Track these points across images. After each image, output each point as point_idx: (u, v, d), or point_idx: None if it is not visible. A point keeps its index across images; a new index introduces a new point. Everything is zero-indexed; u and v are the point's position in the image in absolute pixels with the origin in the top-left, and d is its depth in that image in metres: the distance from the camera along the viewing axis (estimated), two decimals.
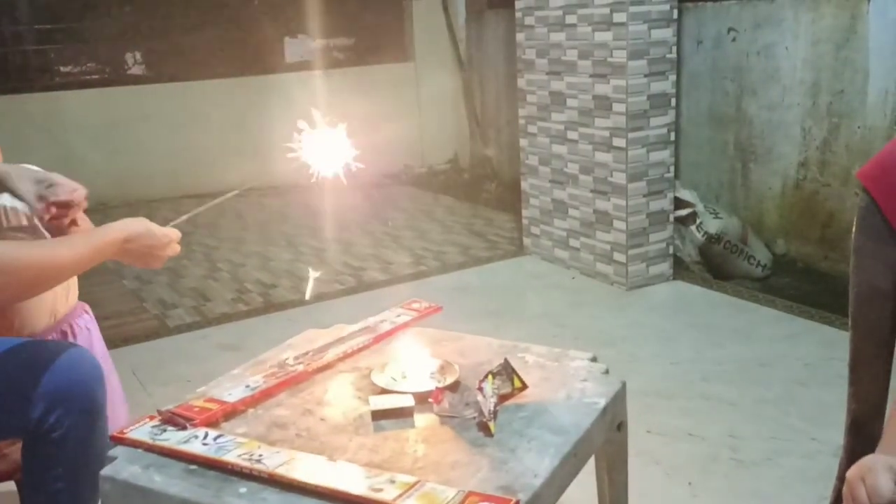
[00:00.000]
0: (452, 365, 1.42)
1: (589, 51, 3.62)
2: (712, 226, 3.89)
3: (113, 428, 1.43)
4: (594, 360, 1.47)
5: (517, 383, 1.34)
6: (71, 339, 1.89)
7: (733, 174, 4.25)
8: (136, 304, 3.93)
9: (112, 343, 3.43)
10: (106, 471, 1.19)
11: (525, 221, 4.30)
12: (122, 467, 1.19)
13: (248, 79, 6.23)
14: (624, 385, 1.38)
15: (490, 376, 1.31)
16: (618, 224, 3.66)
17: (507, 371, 1.33)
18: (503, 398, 1.31)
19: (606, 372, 1.42)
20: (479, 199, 5.80)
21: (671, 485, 2.21)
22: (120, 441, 1.24)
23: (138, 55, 6.24)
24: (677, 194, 3.87)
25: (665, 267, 3.78)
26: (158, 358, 3.24)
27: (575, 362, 1.45)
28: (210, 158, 5.86)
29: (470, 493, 1.04)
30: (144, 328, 3.62)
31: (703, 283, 3.75)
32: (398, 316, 1.67)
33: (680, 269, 3.85)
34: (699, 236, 3.88)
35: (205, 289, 4.12)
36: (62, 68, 6.11)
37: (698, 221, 3.89)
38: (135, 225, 1.52)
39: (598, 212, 3.76)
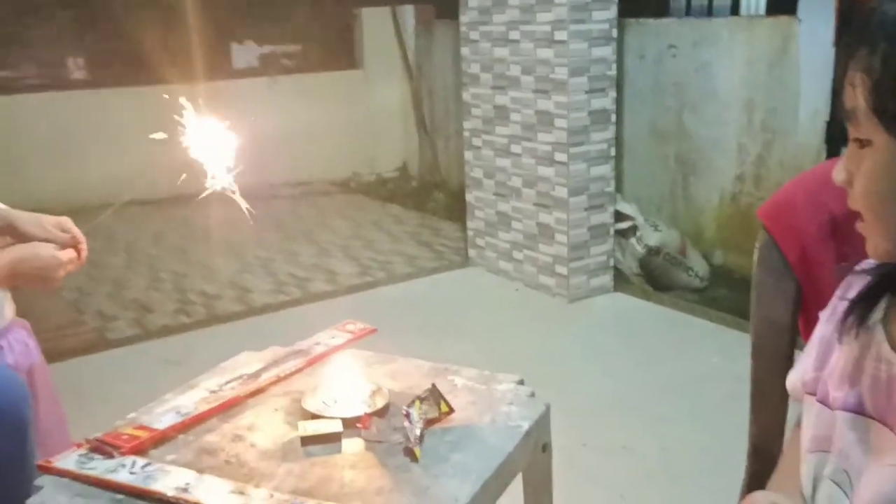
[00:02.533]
0: (382, 389, 1.44)
1: (532, 67, 3.69)
2: (652, 238, 3.98)
3: (56, 451, 1.43)
4: (521, 382, 1.50)
5: (444, 408, 1.37)
6: (9, 354, 1.87)
7: (674, 187, 4.35)
8: (75, 317, 3.88)
9: (49, 357, 3.37)
10: (32, 500, 1.19)
11: (470, 233, 4.36)
12: (48, 497, 1.19)
13: (194, 85, 6.16)
14: (548, 407, 1.42)
15: (417, 402, 1.34)
16: (559, 237, 3.73)
17: (434, 396, 1.36)
18: (430, 422, 1.34)
19: (532, 395, 1.46)
20: (427, 208, 5.84)
21: (604, 499, 2.27)
22: (47, 470, 1.24)
23: (80, 60, 6.15)
24: (618, 208, 3.96)
25: (606, 279, 3.86)
26: (98, 374, 3.20)
27: (502, 385, 1.49)
28: (154, 165, 5.79)
29: None
30: (83, 342, 3.57)
31: (642, 294, 3.84)
32: (332, 338, 1.68)
33: (621, 281, 3.94)
34: (639, 249, 3.97)
35: (147, 300, 4.09)
36: (3, 74, 5.99)
37: (638, 234, 3.99)
38: (20, 250, 1.56)
39: (540, 225, 3.83)
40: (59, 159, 5.67)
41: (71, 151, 5.72)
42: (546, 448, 1.44)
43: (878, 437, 0.84)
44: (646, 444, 2.53)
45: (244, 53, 6.84)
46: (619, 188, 4.27)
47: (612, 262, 3.89)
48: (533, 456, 1.40)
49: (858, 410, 0.86)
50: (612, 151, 3.75)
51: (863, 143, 0.79)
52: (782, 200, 1.13)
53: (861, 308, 0.88)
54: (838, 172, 0.83)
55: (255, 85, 6.48)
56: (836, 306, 0.93)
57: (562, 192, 3.66)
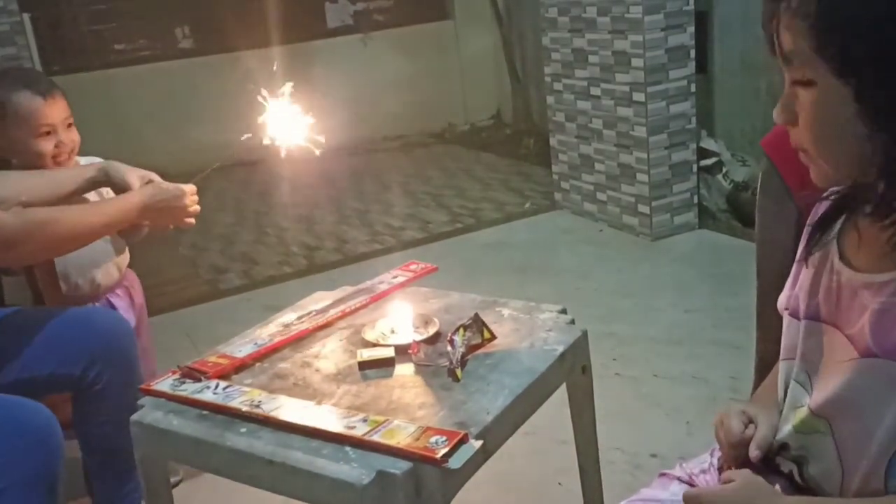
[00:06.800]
0: (434, 319, 1.59)
1: (607, 7, 3.69)
2: (739, 174, 3.94)
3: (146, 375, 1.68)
4: (563, 311, 1.62)
5: (486, 335, 1.51)
6: (125, 297, 2.16)
7: (766, 121, 4.25)
8: (191, 270, 4.22)
9: (169, 307, 3.73)
10: (134, 416, 1.41)
11: (555, 177, 4.42)
12: (147, 413, 1.41)
13: (292, 46, 6.39)
14: (585, 333, 1.53)
15: (461, 329, 1.48)
16: (640, 177, 3.75)
17: (477, 324, 1.50)
18: (474, 348, 1.49)
19: (572, 322, 1.58)
20: (519, 155, 5.91)
21: (670, 424, 2.36)
22: (147, 392, 1.47)
23: (186, 29, 6.50)
24: (702, 144, 3.93)
25: (690, 217, 3.86)
26: (209, 320, 3.51)
27: (544, 314, 1.61)
28: (257, 127, 6.09)
29: (427, 429, 1.22)
30: (198, 292, 3.90)
31: (728, 230, 3.83)
32: (395, 277, 1.85)
33: (707, 218, 3.93)
34: (726, 185, 3.94)
35: (254, 253, 4.39)
36: (116, 46, 6.42)
37: (724, 170, 3.95)
38: (147, 189, 1.77)
39: (622, 165, 3.86)
40: (170, 126, 6.04)
41: (180, 118, 6.08)
42: (585, 370, 1.55)
43: (831, 339, 0.93)
44: (716, 373, 2.59)
45: (338, 12, 7.03)
46: (707, 124, 4.20)
47: (696, 200, 3.88)
48: (572, 377, 1.52)
49: (816, 317, 0.95)
50: (693, 88, 3.72)
51: (805, 84, 0.85)
52: (783, 131, 1.18)
53: (820, 229, 0.97)
54: (778, 114, 0.90)
55: (350, 43, 6.67)
56: (807, 230, 1.01)
57: (641, 131, 3.67)
